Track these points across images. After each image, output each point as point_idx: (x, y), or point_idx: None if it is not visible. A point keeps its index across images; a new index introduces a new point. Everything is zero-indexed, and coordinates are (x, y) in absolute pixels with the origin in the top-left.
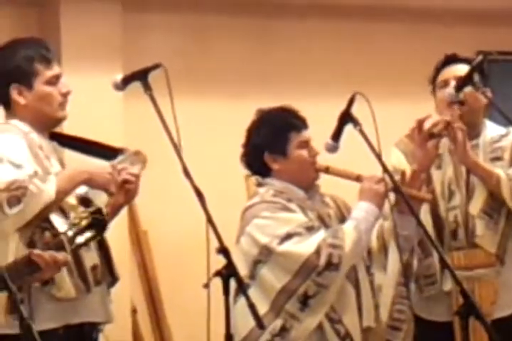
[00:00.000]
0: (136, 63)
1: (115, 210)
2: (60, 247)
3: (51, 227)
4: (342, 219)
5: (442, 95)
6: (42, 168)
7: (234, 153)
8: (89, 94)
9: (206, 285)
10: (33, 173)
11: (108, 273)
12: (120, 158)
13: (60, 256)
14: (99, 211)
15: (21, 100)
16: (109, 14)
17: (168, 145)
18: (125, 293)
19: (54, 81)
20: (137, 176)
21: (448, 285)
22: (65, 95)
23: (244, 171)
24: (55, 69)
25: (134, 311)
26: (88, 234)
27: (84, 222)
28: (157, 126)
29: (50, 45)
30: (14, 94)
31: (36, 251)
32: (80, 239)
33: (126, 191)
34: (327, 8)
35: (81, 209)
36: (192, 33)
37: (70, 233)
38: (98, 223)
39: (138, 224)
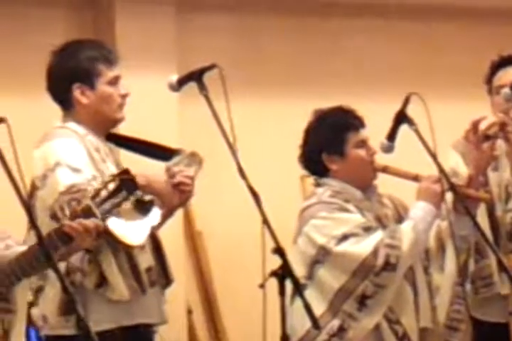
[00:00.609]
0: (190, 64)
1: (170, 211)
2: (88, 214)
3: None
4: (399, 219)
5: (499, 100)
6: (98, 172)
7: (289, 153)
8: (144, 95)
9: (262, 286)
10: (91, 177)
11: (163, 275)
12: (176, 159)
13: (89, 222)
14: (126, 172)
15: (84, 99)
16: (163, 16)
17: (223, 146)
18: (180, 294)
19: (115, 82)
20: (192, 178)
21: (506, 289)
22: (124, 97)
23: (300, 171)
24: (116, 71)
25: (189, 312)
26: (119, 197)
27: (111, 185)
28: (212, 127)
29: (110, 48)
30: (77, 93)
31: (66, 222)
32: (109, 204)
33: (181, 193)
34: (380, 6)
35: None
36: (245, 34)
37: (98, 199)
38: (127, 184)
39: (193, 225)
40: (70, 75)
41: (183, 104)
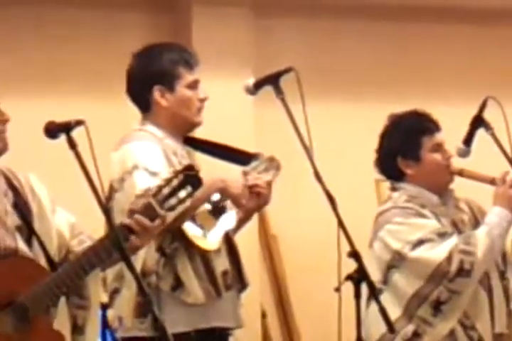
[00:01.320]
0: (267, 67)
1: (247, 216)
2: (150, 211)
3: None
4: (476, 224)
5: None
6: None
7: (364, 157)
8: (220, 98)
9: (337, 289)
10: None
11: (238, 279)
12: (254, 163)
13: (147, 222)
14: (190, 167)
15: (163, 102)
16: (240, 19)
17: (299, 149)
18: (255, 297)
19: (194, 85)
20: (270, 183)
21: None
22: (202, 101)
23: (375, 175)
24: (195, 74)
25: (263, 315)
26: (183, 193)
27: (175, 182)
28: (287, 130)
29: (191, 51)
30: (157, 95)
31: (125, 220)
32: (174, 200)
33: (258, 197)
34: (461, 11)
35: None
36: (322, 37)
37: (160, 196)
38: (191, 179)
39: (268, 229)
40: (151, 77)
41: (259, 107)
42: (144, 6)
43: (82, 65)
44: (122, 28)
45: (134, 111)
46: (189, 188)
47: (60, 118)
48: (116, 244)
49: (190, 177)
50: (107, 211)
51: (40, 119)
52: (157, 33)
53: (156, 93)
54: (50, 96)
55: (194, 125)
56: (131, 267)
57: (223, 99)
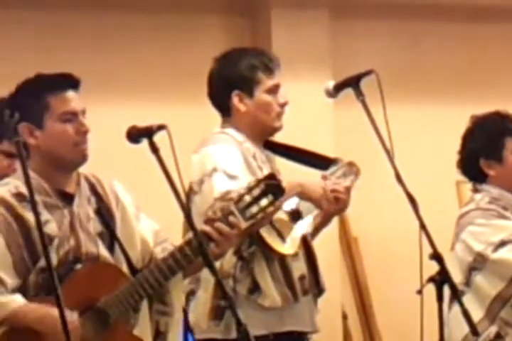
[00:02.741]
0: (345, 70)
1: (326, 220)
2: (230, 219)
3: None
4: None
5: None
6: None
7: (445, 158)
8: (299, 101)
9: (420, 292)
10: (246, 184)
11: (315, 284)
12: (333, 168)
13: (227, 230)
14: (271, 176)
15: (242, 107)
16: (318, 21)
17: (379, 151)
18: (336, 299)
19: (274, 90)
20: (349, 189)
21: None
22: (282, 105)
23: (456, 177)
24: (275, 79)
25: (344, 317)
26: (264, 202)
27: (256, 191)
28: (367, 132)
29: (272, 55)
30: (235, 100)
31: (205, 227)
32: (255, 208)
33: (336, 202)
34: None
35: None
36: (401, 39)
37: (241, 203)
38: (273, 188)
39: (349, 231)
40: (230, 82)
41: (338, 110)
42: (223, 10)
43: (163, 69)
44: (202, 32)
45: (214, 114)
46: (270, 197)
47: (142, 122)
48: (199, 249)
49: (272, 186)
50: (189, 216)
51: (122, 124)
52: (236, 37)
53: (235, 98)
54: (132, 100)
55: (274, 130)
56: (214, 272)
57: (302, 102)
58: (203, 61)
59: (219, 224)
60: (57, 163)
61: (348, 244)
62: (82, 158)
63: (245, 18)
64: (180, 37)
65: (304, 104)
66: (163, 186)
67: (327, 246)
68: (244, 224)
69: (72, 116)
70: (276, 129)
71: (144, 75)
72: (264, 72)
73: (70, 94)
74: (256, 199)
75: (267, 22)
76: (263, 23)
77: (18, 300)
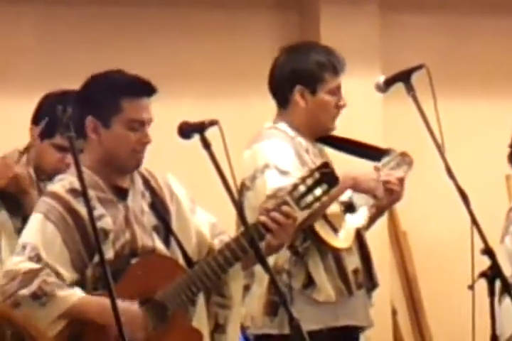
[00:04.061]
0: (395, 65)
1: (379, 212)
2: (285, 209)
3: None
4: None
5: None
6: None
7: (495, 152)
8: (349, 95)
9: (471, 287)
10: None
11: (368, 278)
12: (386, 159)
13: (282, 219)
14: (325, 165)
15: (302, 102)
16: (367, 16)
17: (427, 145)
18: (385, 295)
19: (335, 92)
20: (402, 180)
21: None
22: (340, 107)
23: (505, 170)
24: (339, 81)
25: (394, 312)
26: (319, 191)
27: (310, 180)
28: (416, 127)
29: (340, 56)
30: (297, 95)
31: (261, 217)
32: (309, 198)
33: (389, 193)
34: None
35: (343, 215)
36: (451, 33)
37: (296, 193)
38: (327, 177)
39: (398, 225)
40: (295, 76)
41: (388, 105)
42: (272, 5)
43: (214, 65)
44: (251, 28)
45: (266, 109)
46: (325, 186)
47: (193, 118)
48: (251, 243)
49: (326, 174)
50: (241, 210)
51: (173, 120)
52: (285, 32)
53: (297, 93)
54: (184, 96)
55: (327, 130)
56: (265, 265)
57: (352, 97)
58: (253, 57)
59: (274, 214)
60: (112, 164)
61: (397, 239)
62: (136, 165)
63: (294, 13)
64: (230, 32)
65: (354, 99)
66: (215, 182)
67: (376, 240)
68: (299, 214)
69: (139, 126)
70: (329, 130)
71: (194, 71)
72: (330, 71)
73: (144, 102)
74: (310, 189)
75: (316, 17)
76: (312, 18)
77: (77, 293)
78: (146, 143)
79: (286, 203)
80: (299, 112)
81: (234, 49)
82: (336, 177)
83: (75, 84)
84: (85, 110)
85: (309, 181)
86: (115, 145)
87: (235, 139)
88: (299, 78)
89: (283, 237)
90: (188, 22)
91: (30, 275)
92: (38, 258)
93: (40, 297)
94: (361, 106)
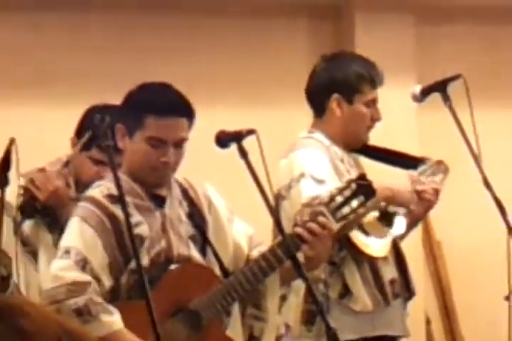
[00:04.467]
0: (430, 74)
1: (414, 222)
2: (321, 220)
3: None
4: None
5: None
6: (342, 182)
7: None
8: (383, 105)
9: (507, 298)
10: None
11: (405, 288)
12: (422, 168)
13: (318, 230)
14: (362, 177)
15: (338, 112)
16: (402, 25)
17: (463, 156)
18: (419, 304)
19: (372, 104)
20: (437, 188)
21: None
22: (375, 120)
23: None
24: (376, 94)
25: (427, 322)
26: (355, 202)
27: (347, 192)
28: (451, 136)
29: (379, 70)
30: (333, 104)
31: (297, 228)
32: (346, 209)
33: (425, 202)
34: None
35: (379, 224)
36: (487, 43)
37: (333, 204)
38: (364, 189)
39: (432, 234)
40: (333, 84)
41: (422, 114)
42: (307, 14)
43: (248, 74)
44: (286, 36)
45: (301, 118)
46: (361, 198)
47: (227, 127)
48: (287, 252)
49: (363, 186)
50: (278, 219)
51: (210, 129)
52: (320, 40)
53: (334, 101)
54: (220, 105)
55: (360, 142)
56: (302, 274)
57: (386, 106)
58: (288, 65)
59: (310, 224)
60: (135, 175)
61: (431, 248)
62: (156, 184)
63: (329, 22)
64: (265, 41)
65: (389, 108)
66: (250, 191)
67: (410, 249)
68: (335, 225)
69: (160, 143)
70: (362, 141)
71: (231, 80)
72: (368, 84)
73: (171, 121)
74: (347, 200)
75: (350, 26)
76: (347, 26)
77: (118, 322)
78: (164, 162)
79: (322, 214)
80: (334, 121)
81: (269, 58)
82: (373, 189)
83: (116, 95)
84: (117, 117)
85: (346, 193)
86: (136, 159)
87: (270, 148)
88: (337, 86)
89: (319, 248)
90: (224, 31)
91: (78, 288)
92: (84, 263)
93: (84, 315)
94: (395, 115)
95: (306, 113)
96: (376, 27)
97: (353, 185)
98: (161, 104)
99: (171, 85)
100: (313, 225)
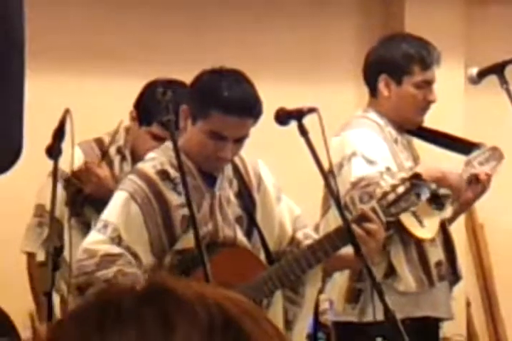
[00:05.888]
0: (478, 56)
1: (464, 206)
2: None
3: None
4: None
5: None
6: (396, 163)
7: None
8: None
9: None
10: (384, 170)
11: (451, 271)
12: (476, 153)
13: (370, 225)
14: (417, 176)
15: (385, 92)
16: (453, 6)
17: (508, 139)
18: (460, 286)
19: (423, 85)
20: (490, 175)
21: None
22: (429, 102)
23: None
24: (428, 75)
25: (468, 304)
26: (407, 201)
27: (401, 189)
28: (497, 119)
29: (434, 50)
30: (381, 84)
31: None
32: (397, 207)
33: (475, 187)
34: None
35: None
36: None
37: (384, 201)
38: (418, 188)
39: (475, 218)
40: (381, 65)
41: (470, 96)
42: None
43: (303, 53)
44: (335, 17)
45: (359, 97)
46: (414, 197)
47: (280, 104)
48: (348, 233)
49: (416, 185)
50: (339, 202)
51: (270, 106)
52: (369, 21)
53: (382, 82)
54: (279, 83)
55: (413, 124)
56: (363, 260)
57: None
58: (337, 43)
59: (366, 225)
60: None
61: (473, 231)
62: (211, 171)
63: (379, 2)
64: (314, 22)
65: (436, 89)
66: (301, 169)
67: (453, 232)
68: (384, 220)
69: (220, 138)
70: (415, 123)
71: (284, 58)
72: (418, 64)
73: (237, 120)
74: (399, 198)
75: (400, 7)
76: (397, 7)
77: None
78: (217, 158)
79: (373, 210)
80: (384, 101)
81: (318, 37)
82: (427, 188)
83: (176, 69)
84: (182, 96)
85: (399, 190)
86: (193, 145)
87: (333, 126)
88: (385, 67)
89: (371, 245)
90: (274, 11)
91: (109, 259)
92: (119, 240)
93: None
94: (443, 96)
95: (356, 92)
96: (426, 7)
97: (407, 183)
98: (230, 102)
99: (244, 78)
100: (362, 228)
